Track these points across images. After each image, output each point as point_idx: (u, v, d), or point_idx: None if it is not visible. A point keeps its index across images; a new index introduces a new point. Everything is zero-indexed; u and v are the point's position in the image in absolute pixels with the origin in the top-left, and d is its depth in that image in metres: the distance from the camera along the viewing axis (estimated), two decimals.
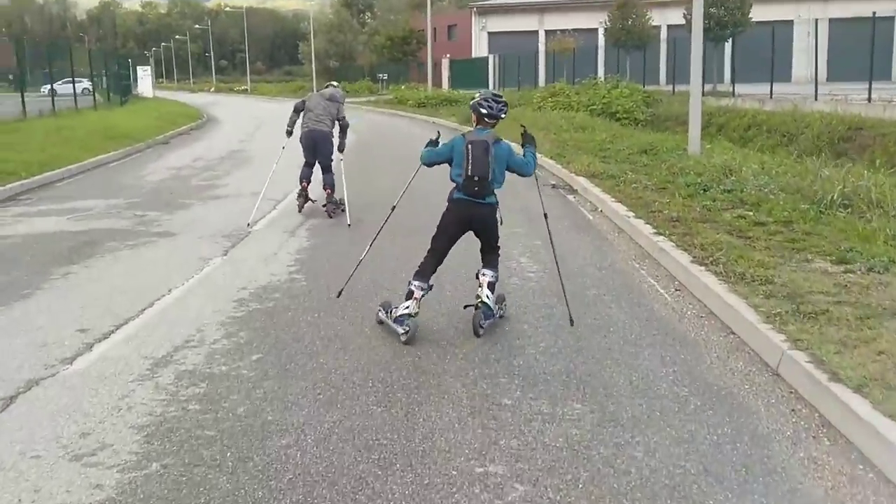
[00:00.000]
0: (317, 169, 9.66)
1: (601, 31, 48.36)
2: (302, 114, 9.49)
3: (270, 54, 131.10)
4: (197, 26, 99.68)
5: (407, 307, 5.02)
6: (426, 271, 5.18)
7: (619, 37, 32.61)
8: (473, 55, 50.77)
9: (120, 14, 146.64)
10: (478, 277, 5.30)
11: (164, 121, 23.47)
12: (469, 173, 4.99)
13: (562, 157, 14.00)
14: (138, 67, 45.11)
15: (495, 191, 5.14)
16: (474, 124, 5.18)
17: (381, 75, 56.34)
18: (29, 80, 23.49)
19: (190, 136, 22.27)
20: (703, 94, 25.97)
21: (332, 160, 9.61)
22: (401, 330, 4.98)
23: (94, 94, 28.18)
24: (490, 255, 5.35)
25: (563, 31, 41.44)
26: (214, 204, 10.82)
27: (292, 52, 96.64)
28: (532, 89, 35.30)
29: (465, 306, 5.47)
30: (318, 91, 9.99)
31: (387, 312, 5.24)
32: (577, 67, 35.34)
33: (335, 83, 10.16)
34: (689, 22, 28.24)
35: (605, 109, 24.06)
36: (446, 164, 5.20)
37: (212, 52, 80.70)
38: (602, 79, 29.35)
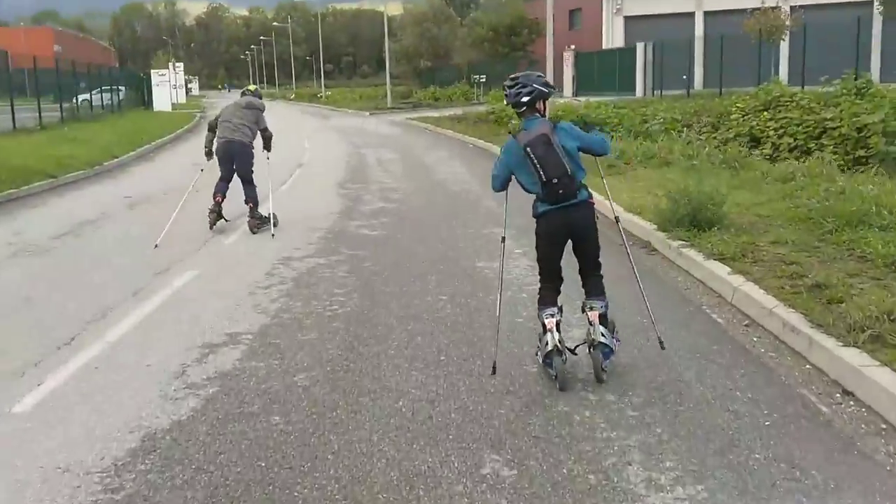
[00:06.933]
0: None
1: (787, 8, 35.33)
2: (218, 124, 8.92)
3: (378, 58, 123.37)
4: (279, 25, 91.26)
5: (547, 344, 4.28)
6: (548, 297, 4.47)
7: None
8: (604, 46, 38.09)
9: (226, 19, 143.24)
10: (584, 311, 4.42)
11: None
12: (544, 179, 4.16)
13: None
14: (153, 74, 35.34)
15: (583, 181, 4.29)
16: (520, 121, 4.38)
17: (476, 77, 41.19)
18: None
19: None
20: None
21: (252, 173, 8.89)
22: (552, 373, 4.31)
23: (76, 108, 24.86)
24: (593, 277, 4.48)
25: (725, 10, 28.78)
26: None
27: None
28: (693, 96, 22.60)
29: (574, 348, 4.40)
30: (235, 101, 9.08)
31: (538, 352, 4.64)
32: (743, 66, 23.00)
33: (252, 87, 9.38)
34: None
35: None
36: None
37: (292, 56, 71.83)
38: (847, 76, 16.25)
